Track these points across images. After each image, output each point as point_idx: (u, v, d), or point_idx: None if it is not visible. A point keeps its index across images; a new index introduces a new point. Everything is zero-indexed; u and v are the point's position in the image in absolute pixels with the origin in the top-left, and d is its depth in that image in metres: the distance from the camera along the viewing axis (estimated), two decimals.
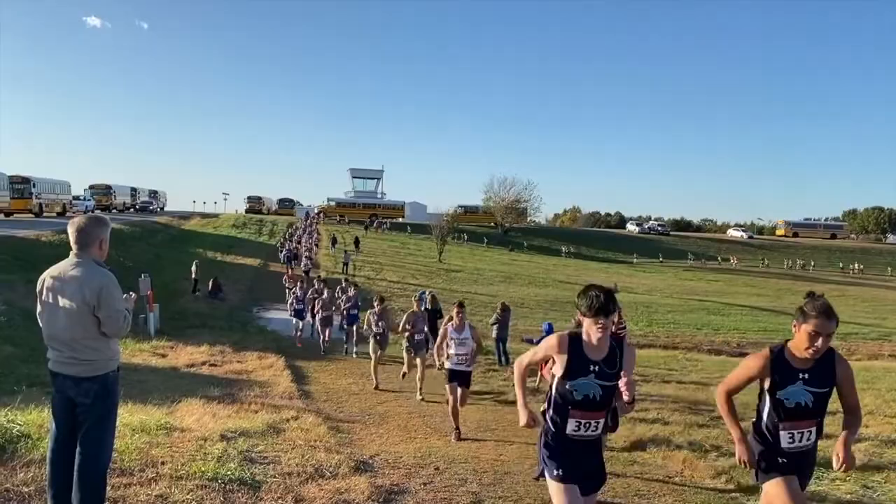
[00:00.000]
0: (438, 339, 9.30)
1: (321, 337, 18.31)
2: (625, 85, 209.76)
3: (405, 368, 12.03)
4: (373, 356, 12.94)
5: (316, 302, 19.80)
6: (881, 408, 11.27)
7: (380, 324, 13.07)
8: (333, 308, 18.89)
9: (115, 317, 3.92)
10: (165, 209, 78.65)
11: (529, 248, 73.45)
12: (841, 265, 75.28)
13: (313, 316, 20.07)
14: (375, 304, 13.45)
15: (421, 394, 11.31)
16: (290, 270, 34.57)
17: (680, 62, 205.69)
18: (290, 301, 21.32)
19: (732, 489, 6.25)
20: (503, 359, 16.57)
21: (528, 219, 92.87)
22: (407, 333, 11.72)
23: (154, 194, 78.67)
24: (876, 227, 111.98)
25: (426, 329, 12.34)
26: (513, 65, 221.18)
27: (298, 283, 24.00)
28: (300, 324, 20.01)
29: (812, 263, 76.15)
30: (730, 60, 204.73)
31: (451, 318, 9.27)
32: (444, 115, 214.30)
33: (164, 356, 15.31)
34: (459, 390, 8.67)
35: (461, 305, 9.43)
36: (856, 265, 75.11)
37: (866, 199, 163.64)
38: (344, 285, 21.39)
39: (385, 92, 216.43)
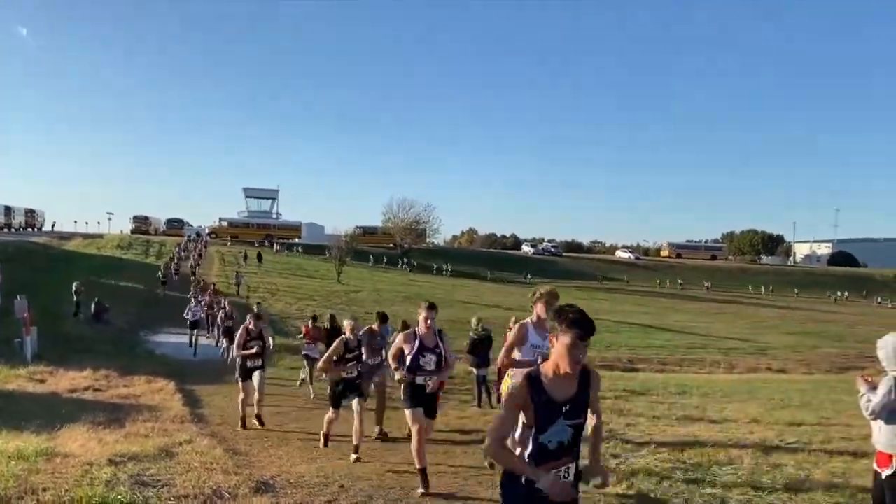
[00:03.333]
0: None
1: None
2: (518, 110, 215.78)
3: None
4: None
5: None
6: (763, 416, 11.89)
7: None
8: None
9: None
10: (44, 229, 74.03)
11: (454, 273, 73.62)
12: (752, 287, 79.75)
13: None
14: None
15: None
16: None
17: (564, 86, 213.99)
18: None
19: (632, 494, 6.40)
20: None
21: (428, 240, 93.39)
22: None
23: (31, 213, 73.89)
24: (751, 249, 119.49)
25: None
26: (407, 87, 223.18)
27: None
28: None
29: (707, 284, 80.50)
30: (613, 86, 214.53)
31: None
32: (340, 134, 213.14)
33: (42, 381, 14.32)
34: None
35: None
36: (708, 284, 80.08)
37: (743, 222, 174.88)
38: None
39: (280, 110, 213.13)
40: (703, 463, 7.62)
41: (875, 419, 4.66)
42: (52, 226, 77.69)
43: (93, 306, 26.92)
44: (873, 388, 4.65)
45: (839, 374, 26.99)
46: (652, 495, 6.28)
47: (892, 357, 4.60)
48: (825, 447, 8.69)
